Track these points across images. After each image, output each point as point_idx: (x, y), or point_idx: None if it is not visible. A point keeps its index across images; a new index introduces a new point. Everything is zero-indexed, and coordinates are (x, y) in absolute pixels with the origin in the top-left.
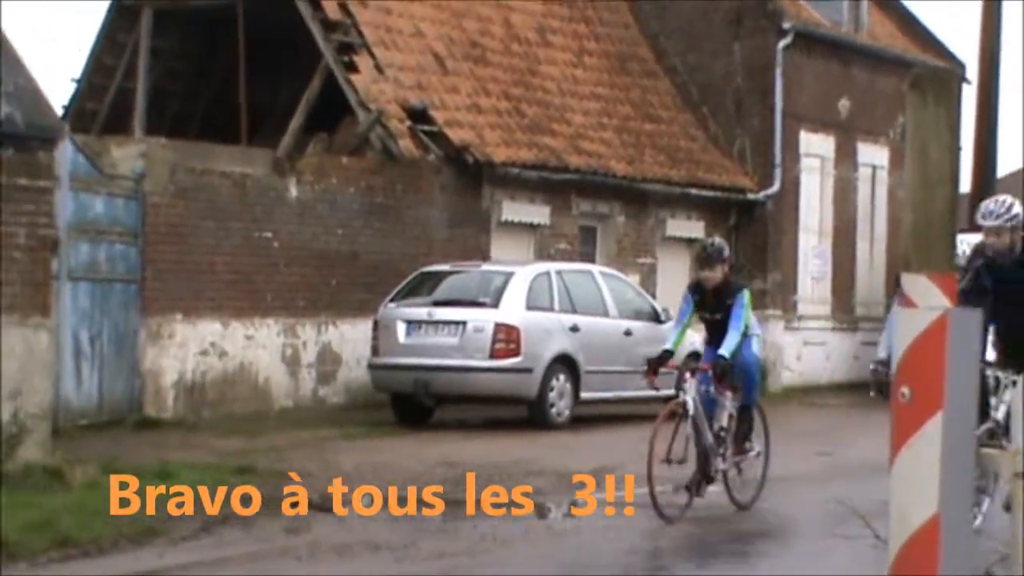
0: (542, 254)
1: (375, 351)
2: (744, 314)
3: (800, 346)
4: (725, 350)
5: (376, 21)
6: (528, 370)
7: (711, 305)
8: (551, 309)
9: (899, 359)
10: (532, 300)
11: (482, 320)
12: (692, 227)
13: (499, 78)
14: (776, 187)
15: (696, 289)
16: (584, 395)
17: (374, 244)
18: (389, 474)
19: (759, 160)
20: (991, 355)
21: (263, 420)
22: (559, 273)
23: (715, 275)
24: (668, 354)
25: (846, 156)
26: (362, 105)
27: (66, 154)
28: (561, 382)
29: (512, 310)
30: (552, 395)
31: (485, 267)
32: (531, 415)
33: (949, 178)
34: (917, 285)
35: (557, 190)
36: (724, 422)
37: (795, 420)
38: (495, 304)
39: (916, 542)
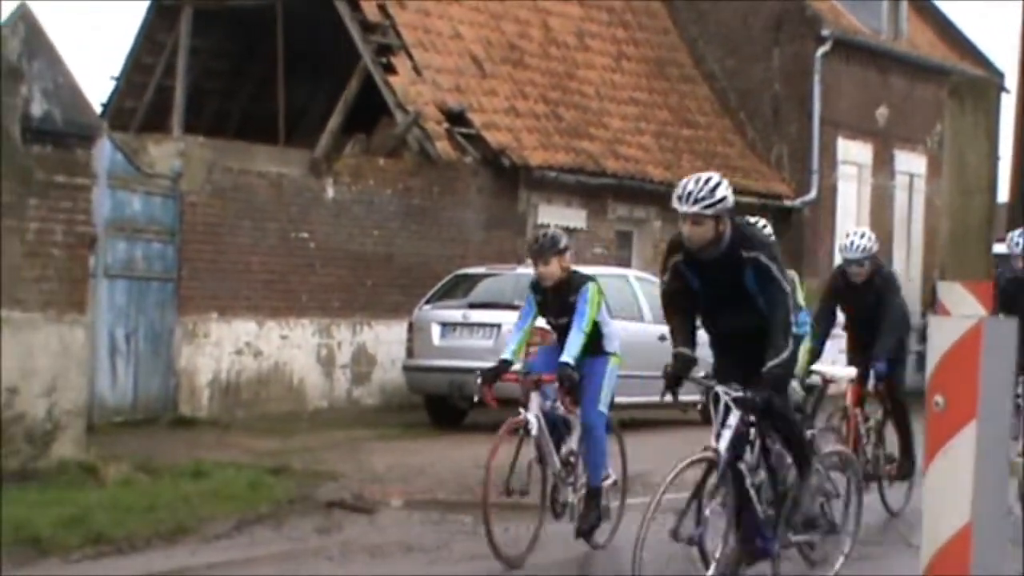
0: (578, 258)
1: (410, 353)
2: (589, 311)
3: (836, 353)
4: (568, 355)
5: (415, 23)
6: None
7: (555, 307)
8: None
9: (933, 367)
10: None
11: None
12: None
13: (537, 81)
14: (813, 194)
15: (537, 288)
16: (617, 399)
17: (410, 246)
18: (422, 476)
19: (796, 167)
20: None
21: (297, 420)
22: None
23: (551, 269)
24: (506, 364)
25: (883, 164)
26: (400, 107)
27: (104, 152)
28: None
29: None
30: None
31: (521, 270)
32: None
33: (987, 187)
34: (952, 293)
35: (594, 194)
36: (574, 445)
37: None
38: None
39: (948, 550)
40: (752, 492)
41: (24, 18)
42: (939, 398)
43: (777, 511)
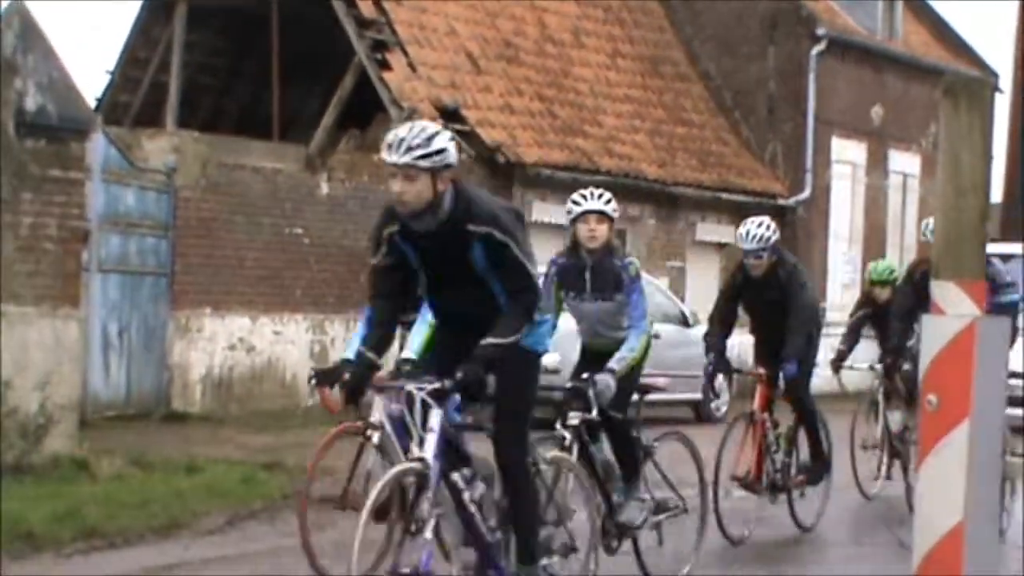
0: None
1: (403, 350)
2: None
3: (829, 353)
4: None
5: (410, 19)
6: (556, 372)
7: None
8: None
9: (926, 367)
10: None
11: None
12: (722, 231)
13: (532, 79)
14: (807, 193)
15: None
16: None
17: None
18: None
19: (790, 165)
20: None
21: (290, 416)
22: None
23: None
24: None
25: (878, 163)
26: (395, 103)
27: (98, 146)
28: None
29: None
30: None
31: None
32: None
33: (981, 187)
34: (946, 293)
35: None
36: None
37: None
38: None
39: (941, 549)
40: (473, 509)
41: (19, 12)
42: (932, 397)
43: (508, 532)
